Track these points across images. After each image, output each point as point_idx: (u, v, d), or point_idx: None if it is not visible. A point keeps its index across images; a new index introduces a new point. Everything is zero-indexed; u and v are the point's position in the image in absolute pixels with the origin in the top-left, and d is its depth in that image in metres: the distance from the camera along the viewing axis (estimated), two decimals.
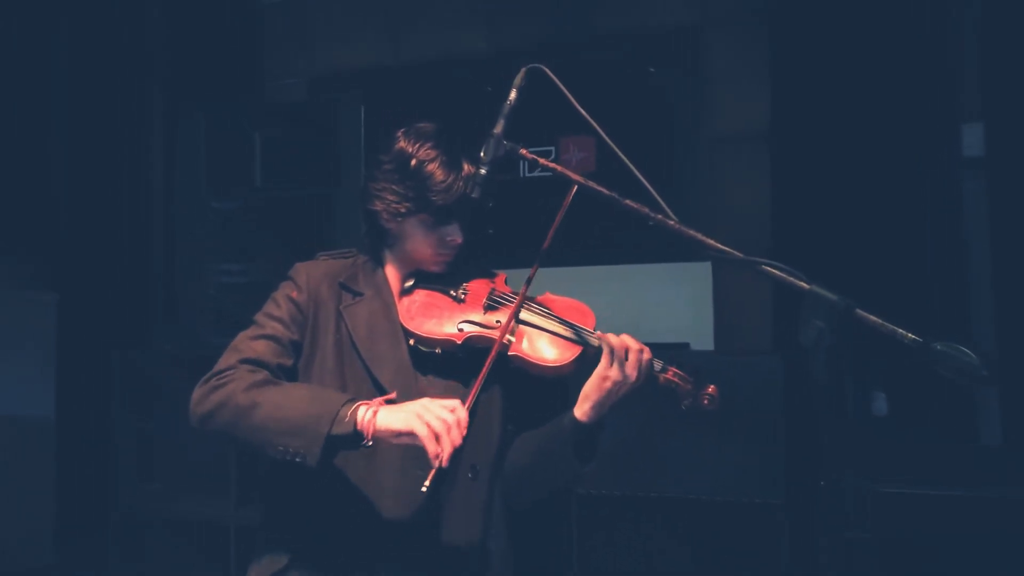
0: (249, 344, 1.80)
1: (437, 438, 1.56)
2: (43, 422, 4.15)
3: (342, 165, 4.17)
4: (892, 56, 3.57)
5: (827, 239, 3.58)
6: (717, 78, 4.13)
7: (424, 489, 1.56)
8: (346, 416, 1.60)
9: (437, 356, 1.84)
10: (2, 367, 4.04)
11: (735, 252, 1.49)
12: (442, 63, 4.60)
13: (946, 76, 3.60)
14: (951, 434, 3.32)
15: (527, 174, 4.22)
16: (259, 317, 1.87)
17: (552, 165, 1.69)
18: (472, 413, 1.66)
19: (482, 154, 1.70)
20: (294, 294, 1.87)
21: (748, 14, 4.09)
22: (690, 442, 3.19)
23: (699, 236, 1.52)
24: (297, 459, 1.61)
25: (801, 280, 1.38)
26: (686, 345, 3.64)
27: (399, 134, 1.89)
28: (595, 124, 1.71)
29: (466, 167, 1.82)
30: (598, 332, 1.77)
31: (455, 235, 1.87)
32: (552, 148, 4.20)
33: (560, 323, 1.82)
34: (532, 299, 1.89)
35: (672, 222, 1.56)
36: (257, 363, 1.77)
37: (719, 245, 1.50)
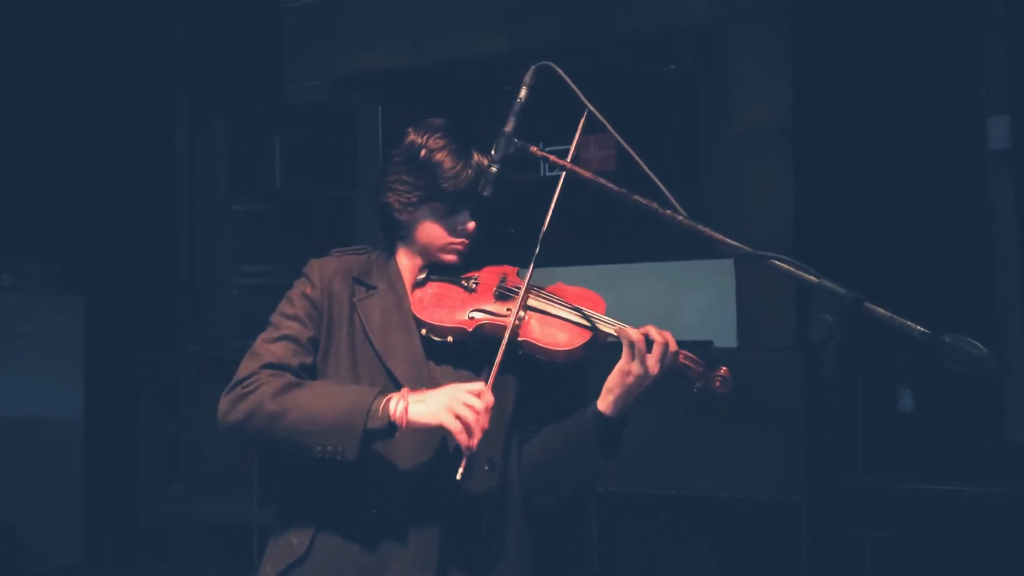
0: (268, 348, 1.81)
1: (467, 428, 1.60)
2: (72, 425, 4.20)
3: (361, 167, 4.20)
4: (915, 49, 3.54)
5: (850, 235, 3.55)
6: (739, 76, 4.12)
7: (459, 477, 1.60)
8: (379, 410, 1.64)
9: (449, 346, 1.84)
10: (32, 370, 4.10)
11: (744, 247, 1.48)
12: (461, 64, 4.62)
13: (971, 69, 3.56)
14: (978, 430, 3.28)
15: (548, 173, 4.22)
16: (275, 318, 1.88)
17: (561, 162, 1.70)
18: None
19: (493, 152, 1.72)
20: (308, 291, 1.88)
21: (770, 12, 4.07)
22: (710, 440, 3.17)
23: (707, 231, 1.52)
24: (337, 456, 1.65)
25: (810, 274, 1.37)
26: (709, 343, 3.62)
27: (409, 129, 1.91)
28: (603, 119, 1.71)
29: (476, 156, 1.85)
30: (617, 325, 1.76)
31: (466, 222, 1.88)
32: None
33: (570, 309, 1.82)
34: (543, 288, 1.89)
35: (681, 217, 1.55)
36: (279, 366, 1.78)
37: (727, 240, 1.49)
